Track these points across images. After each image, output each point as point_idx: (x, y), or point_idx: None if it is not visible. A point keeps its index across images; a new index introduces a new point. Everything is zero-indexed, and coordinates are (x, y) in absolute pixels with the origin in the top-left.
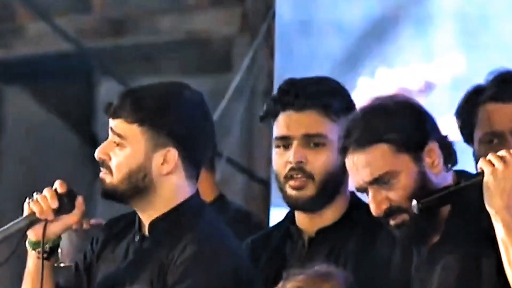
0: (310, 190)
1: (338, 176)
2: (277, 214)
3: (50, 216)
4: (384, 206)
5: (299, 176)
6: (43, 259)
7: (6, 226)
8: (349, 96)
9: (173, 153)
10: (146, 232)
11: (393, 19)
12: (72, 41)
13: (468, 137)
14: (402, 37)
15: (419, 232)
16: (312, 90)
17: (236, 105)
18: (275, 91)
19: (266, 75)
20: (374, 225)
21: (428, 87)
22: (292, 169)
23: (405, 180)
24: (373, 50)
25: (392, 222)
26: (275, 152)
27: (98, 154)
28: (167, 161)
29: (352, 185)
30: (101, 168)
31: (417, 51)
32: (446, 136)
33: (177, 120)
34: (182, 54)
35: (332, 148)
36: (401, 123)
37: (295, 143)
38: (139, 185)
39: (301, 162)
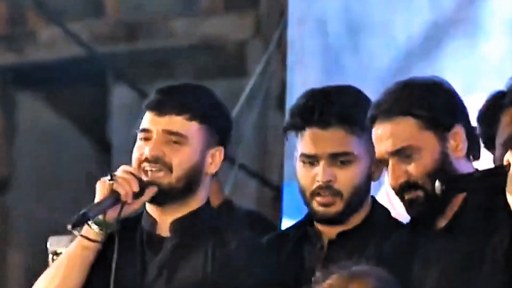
0: (337, 207)
1: (364, 190)
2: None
3: (130, 200)
4: (402, 179)
5: (327, 193)
6: (117, 238)
7: (96, 203)
8: (371, 106)
9: (220, 153)
10: (164, 233)
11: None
12: (85, 46)
13: (489, 143)
14: (449, 48)
15: (431, 211)
16: (338, 106)
17: (249, 110)
18: (287, 97)
19: (279, 81)
20: (394, 228)
21: None
22: (319, 187)
23: (427, 157)
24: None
25: (406, 197)
26: (300, 167)
27: (154, 152)
28: (215, 161)
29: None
30: (152, 169)
31: (467, 61)
32: (474, 127)
33: (224, 120)
34: (196, 59)
35: (358, 164)
36: (432, 101)
37: (322, 162)
38: (192, 183)
39: (329, 181)
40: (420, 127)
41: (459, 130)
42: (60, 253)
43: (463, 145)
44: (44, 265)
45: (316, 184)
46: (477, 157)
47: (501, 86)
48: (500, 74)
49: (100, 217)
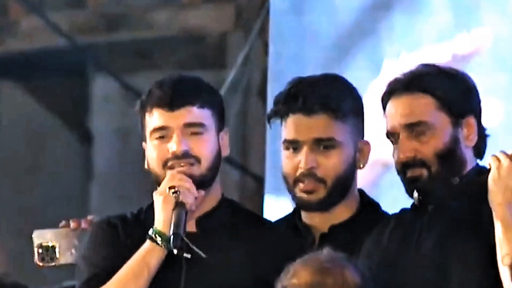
0: (320, 194)
1: (348, 177)
2: (271, 203)
3: (194, 207)
4: (410, 154)
5: (310, 180)
6: (182, 249)
7: (175, 221)
8: (357, 94)
9: (227, 134)
10: (190, 229)
11: (386, 6)
12: (65, 37)
13: None
14: (396, 24)
15: (431, 191)
16: (321, 93)
17: (231, 101)
18: (269, 87)
19: (260, 71)
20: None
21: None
22: (302, 174)
23: (439, 137)
24: (367, 39)
25: (409, 174)
26: (284, 154)
27: (182, 147)
28: (226, 143)
29: (360, 181)
30: (183, 164)
31: (408, 38)
32: (485, 127)
33: (222, 101)
34: (177, 50)
35: (342, 150)
36: (452, 86)
37: (305, 148)
38: (216, 170)
39: (312, 167)
40: (437, 107)
41: (472, 121)
42: (46, 245)
43: (474, 136)
44: (29, 259)
45: (299, 171)
46: (481, 156)
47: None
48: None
49: (161, 229)
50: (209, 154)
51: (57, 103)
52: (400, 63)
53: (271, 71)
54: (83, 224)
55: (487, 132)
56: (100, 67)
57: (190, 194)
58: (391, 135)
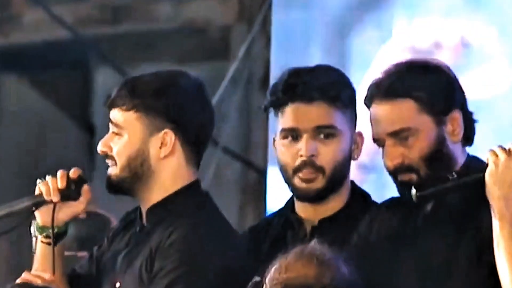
0: (319, 183)
1: (345, 167)
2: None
3: (56, 198)
4: (397, 161)
5: (310, 169)
6: (53, 244)
7: (10, 203)
8: (352, 86)
9: (170, 135)
10: (145, 221)
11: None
12: (69, 29)
13: None
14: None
15: (428, 187)
16: (320, 81)
17: (233, 93)
18: (271, 79)
19: (262, 64)
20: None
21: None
22: (303, 162)
23: (424, 140)
24: (366, 18)
25: (399, 178)
26: (282, 144)
27: (99, 147)
28: (165, 144)
29: (353, 171)
30: (108, 162)
31: (418, 10)
32: (471, 112)
33: (172, 103)
34: (180, 42)
35: (341, 139)
36: (432, 84)
37: (305, 136)
38: (138, 171)
39: (312, 155)
40: (419, 109)
41: (457, 115)
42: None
43: (460, 130)
44: (28, 249)
45: (299, 160)
46: (470, 143)
47: (448, 34)
48: (451, 26)
49: (38, 221)
50: (123, 155)
51: (60, 95)
52: (411, 28)
53: (274, 63)
54: (81, 215)
55: (474, 116)
56: (103, 59)
57: (46, 184)
58: (377, 140)
